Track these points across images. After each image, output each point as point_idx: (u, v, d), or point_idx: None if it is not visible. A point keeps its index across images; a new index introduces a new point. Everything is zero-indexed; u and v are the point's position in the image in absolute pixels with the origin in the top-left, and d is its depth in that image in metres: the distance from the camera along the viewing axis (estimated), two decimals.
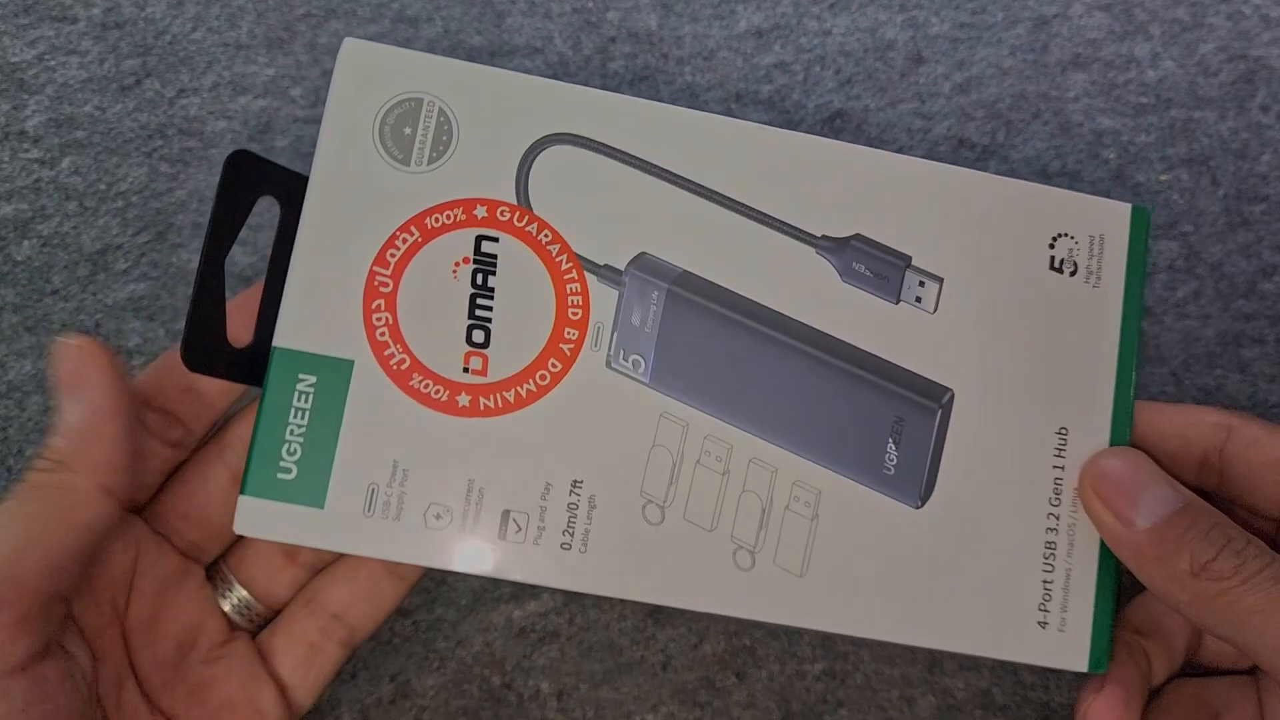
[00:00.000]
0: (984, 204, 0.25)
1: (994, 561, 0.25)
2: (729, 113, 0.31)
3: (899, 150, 0.32)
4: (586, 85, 0.24)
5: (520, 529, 0.23)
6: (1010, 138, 0.32)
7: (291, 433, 0.23)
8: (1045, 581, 0.25)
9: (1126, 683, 0.26)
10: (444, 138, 0.24)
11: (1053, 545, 0.25)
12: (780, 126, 0.32)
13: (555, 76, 0.31)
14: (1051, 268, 0.25)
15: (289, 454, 0.23)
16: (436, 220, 0.24)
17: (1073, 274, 0.25)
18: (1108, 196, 0.32)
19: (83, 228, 0.30)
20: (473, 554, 0.23)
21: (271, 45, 0.31)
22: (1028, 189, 0.26)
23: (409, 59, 0.24)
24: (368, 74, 0.24)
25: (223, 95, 0.31)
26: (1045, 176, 0.32)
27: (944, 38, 0.32)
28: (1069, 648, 0.25)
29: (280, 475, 0.23)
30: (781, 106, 0.31)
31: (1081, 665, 0.25)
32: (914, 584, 0.24)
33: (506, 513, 0.23)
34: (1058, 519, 0.25)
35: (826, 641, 0.30)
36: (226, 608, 0.26)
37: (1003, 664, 0.31)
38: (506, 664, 0.29)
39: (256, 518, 0.23)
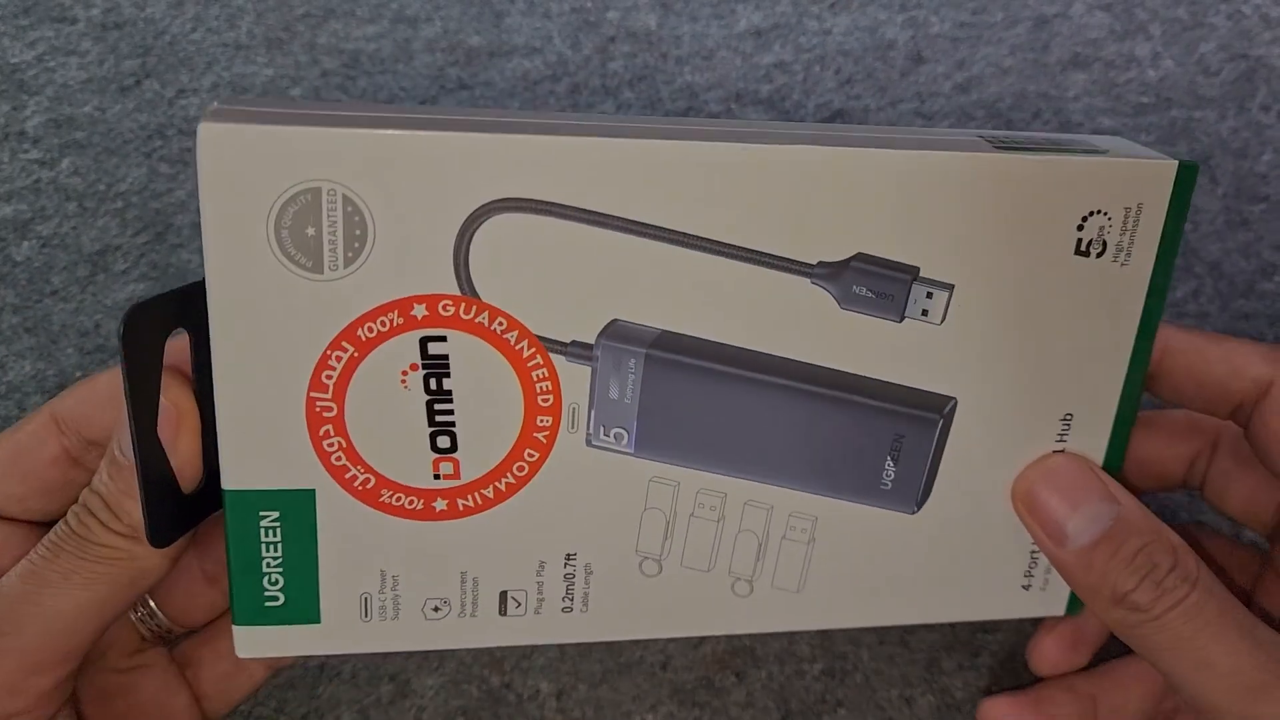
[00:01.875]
0: (1006, 190, 0.22)
1: (983, 543, 0.25)
2: (728, 113, 0.31)
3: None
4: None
5: (520, 604, 0.23)
6: None
7: (268, 565, 0.22)
8: (1032, 552, 0.25)
9: (1082, 625, 0.27)
10: (356, 231, 0.20)
11: None
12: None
13: (554, 76, 0.31)
14: (1077, 252, 0.23)
15: (271, 584, 0.22)
16: (370, 330, 0.20)
17: (1100, 255, 0.23)
18: None
19: (82, 228, 0.30)
20: (477, 633, 0.23)
21: (271, 45, 0.31)
22: (1057, 164, 0.22)
23: (287, 139, 0.19)
24: (242, 167, 0.19)
25: (222, 95, 0.31)
26: None
27: (944, 37, 0.32)
28: (1049, 601, 0.26)
29: (268, 603, 0.22)
30: (781, 106, 0.31)
31: (1059, 610, 0.26)
32: (906, 573, 0.25)
33: (504, 593, 0.23)
34: None
35: (825, 641, 0.30)
36: (133, 618, 0.26)
37: (1002, 664, 0.31)
38: (506, 664, 0.29)
39: (255, 642, 0.22)
